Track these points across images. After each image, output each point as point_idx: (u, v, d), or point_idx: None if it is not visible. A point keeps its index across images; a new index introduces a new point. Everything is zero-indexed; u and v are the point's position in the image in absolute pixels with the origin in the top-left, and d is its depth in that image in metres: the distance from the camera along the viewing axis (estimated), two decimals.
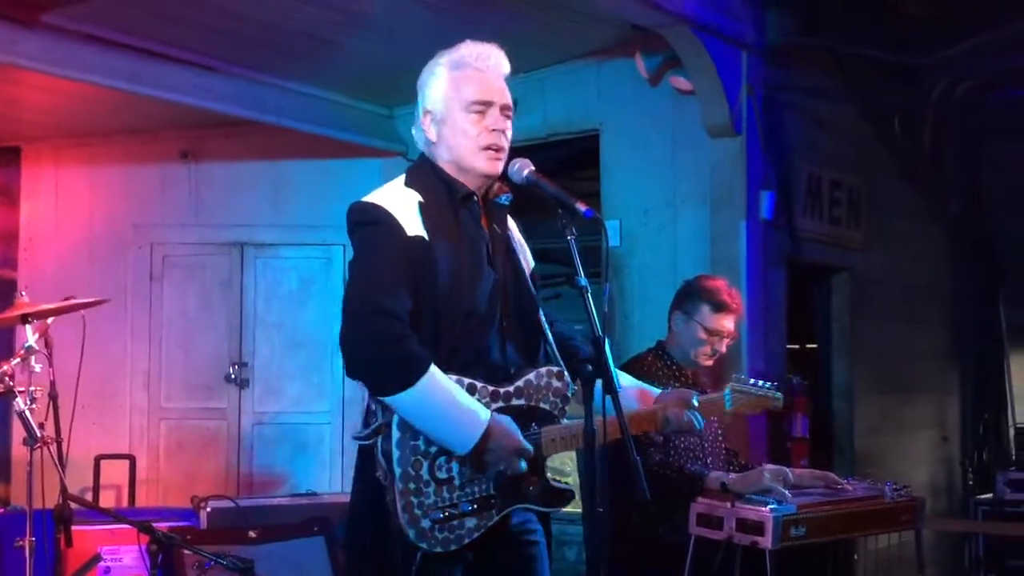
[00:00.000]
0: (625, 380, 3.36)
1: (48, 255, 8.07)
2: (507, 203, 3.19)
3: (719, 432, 4.64)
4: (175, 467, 7.96)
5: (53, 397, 5.17)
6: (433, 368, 2.86)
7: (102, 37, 6.02)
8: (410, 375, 2.83)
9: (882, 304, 7.22)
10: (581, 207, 2.90)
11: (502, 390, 3.01)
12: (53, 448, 4.85)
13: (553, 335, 3.26)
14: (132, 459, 7.30)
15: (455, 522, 2.92)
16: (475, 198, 3.10)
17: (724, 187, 5.95)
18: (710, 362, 4.55)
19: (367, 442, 2.97)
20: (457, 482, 2.94)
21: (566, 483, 3.10)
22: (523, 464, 2.94)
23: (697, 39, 5.58)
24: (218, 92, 6.65)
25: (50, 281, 7.61)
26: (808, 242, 6.47)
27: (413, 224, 2.96)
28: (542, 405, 3.07)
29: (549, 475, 3.08)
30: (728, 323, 4.50)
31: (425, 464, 2.91)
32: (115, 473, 7.27)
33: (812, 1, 6.18)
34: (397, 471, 2.88)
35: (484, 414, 2.90)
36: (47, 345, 5.02)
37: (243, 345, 8.01)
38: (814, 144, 6.59)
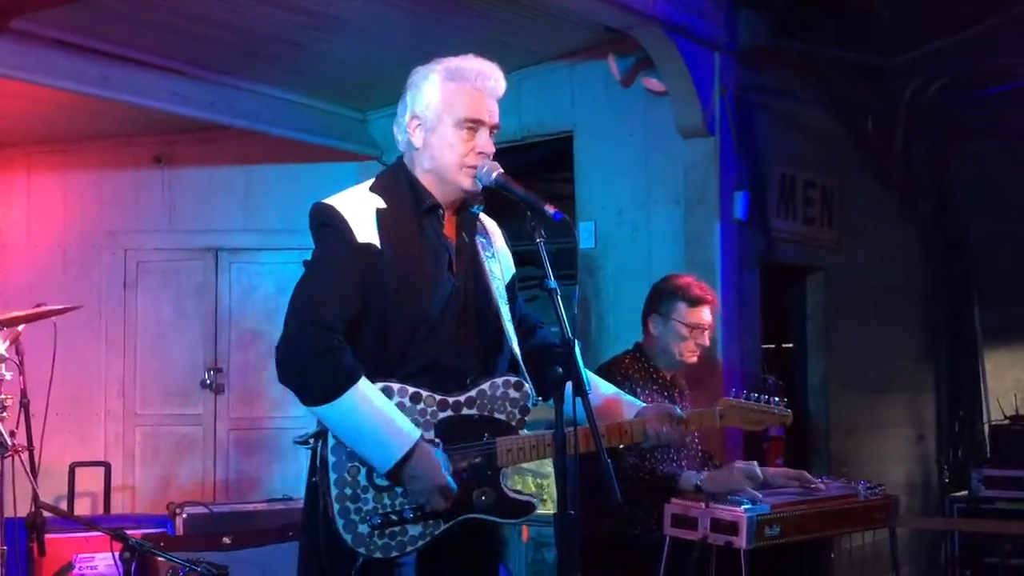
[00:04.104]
0: (600, 385, 3.37)
1: (21, 262, 8.02)
2: (478, 212, 3.19)
3: (694, 434, 4.64)
4: (151, 474, 7.93)
5: (24, 405, 5.14)
6: (361, 383, 2.87)
7: (73, 42, 5.99)
8: (334, 388, 2.85)
9: (856, 303, 7.25)
10: (550, 209, 2.89)
11: (451, 399, 3.01)
12: (25, 456, 4.82)
13: (534, 341, 3.30)
14: (107, 466, 7.25)
15: (396, 529, 2.91)
16: (440, 211, 3.10)
17: (697, 188, 5.97)
18: (695, 358, 4.56)
19: (307, 446, 2.99)
20: (399, 489, 2.93)
21: (538, 485, 3.10)
22: (442, 503, 2.91)
23: (669, 40, 5.59)
24: (191, 97, 6.63)
25: (23, 288, 7.57)
26: (782, 242, 6.48)
27: (367, 230, 2.97)
28: (497, 415, 3.06)
29: (505, 485, 3.06)
30: (706, 315, 4.52)
31: (363, 470, 2.92)
32: (90, 480, 7.22)
33: (784, 3, 6.19)
34: (332, 476, 2.90)
35: (411, 437, 2.89)
36: (18, 353, 4.99)
37: (218, 351, 7.99)
38: (787, 145, 6.61)
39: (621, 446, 4.04)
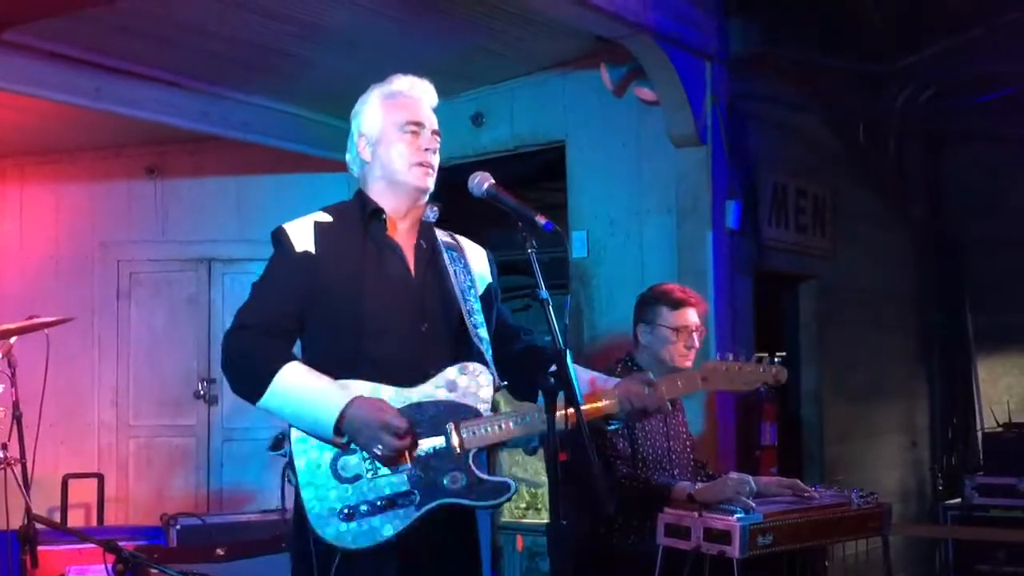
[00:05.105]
0: (579, 370, 3.36)
1: (13, 273, 8.02)
2: (434, 219, 3.28)
3: (687, 443, 4.64)
4: (144, 485, 7.92)
5: (17, 417, 5.13)
6: (289, 367, 2.97)
7: (65, 54, 6.00)
8: (261, 378, 2.96)
9: (849, 311, 7.26)
10: (541, 220, 2.91)
11: (411, 390, 3.04)
12: (17, 468, 4.82)
13: (518, 345, 3.33)
14: (100, 477, 7.25)
15: (365, 519, 2.94)
16: (383, 215, 3.19)
17: (690, 197, 5.97)
18: (688, 362, 4.53)
19: (279, 451, 3.05)
20: (364, 479, 2.97)
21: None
22: (393, 441, 2.91)
23: (660, 50, 5.60)
24: (183, 108, 6.64)
25: (15, 300, 7.57)
26: (775, 251, 6.49)
27: (304, 241, 3.11)
28: (459, 401, 3.07)
29: (477, 468, 3.05)
30: (691, 316, 4.51)
31: (326, 465, 2.97)
32: (84, 492, 7.21)
33: (775, 11, 6.20)
34: (300, 473, 2.97)
35: (346, 395, 2.94)
36: (10, 364, 5.00)
37: (212, 361, 7.97)
38: (779, 153, 6.62)
39: (615, 446, 4.07)
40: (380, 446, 2.92)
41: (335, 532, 2.93)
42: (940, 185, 8.26)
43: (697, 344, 4.56)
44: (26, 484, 4.94)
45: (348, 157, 3.32)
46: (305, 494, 2.95)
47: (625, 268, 6.24)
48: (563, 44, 6.19)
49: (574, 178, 6.55)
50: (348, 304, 3.06)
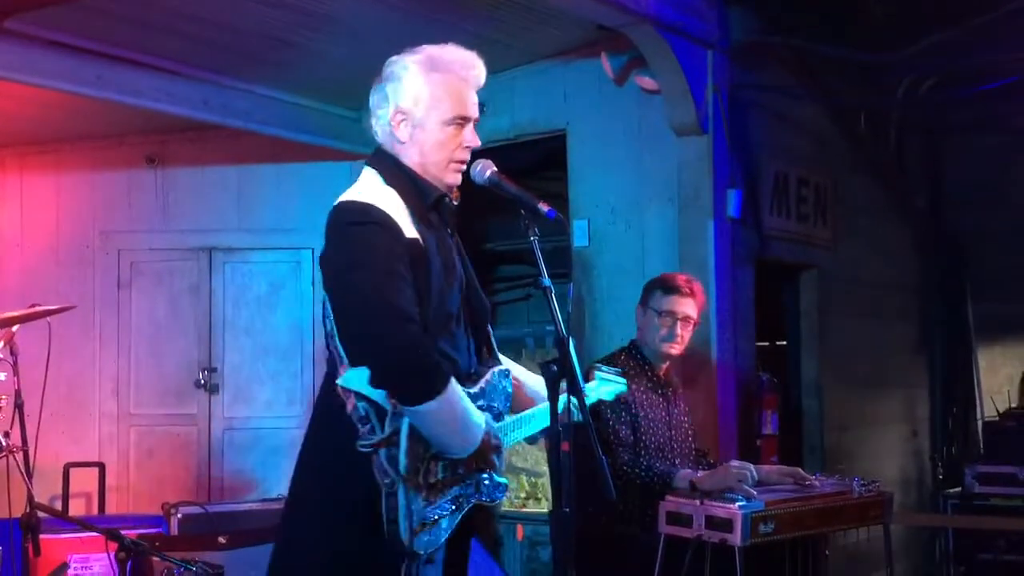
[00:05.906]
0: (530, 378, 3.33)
1: (14, 263, 8.02)
2: (456, 206, 3.18)
3: (689, 431, 4.66)
4: (145, 474, 7.92)
5: (19, 405, 5.13)
6: (453, 380, 2.84)
7: (66, 43, 5.98)
8: (438, 385, 2.78)
9: (850, 300, 7.26)
10: (544, 208, 2.89)
11: (471, 391, 3.00)
12: (19, 456, 4.82)
13: None
14: (102, 466, 7.27)
15: (435, 524, 2.90)
16: (447, 199, 3.08)
17: (691, 186, 5.97)
18: (674, 350, 4.54)
19: (370, 449, 2.84)
20: (439, 484, 2.92)
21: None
22: (496, 460, 2.97)
23: (662, 38, 5.59)
24: (184, 96, 6.63)
25: (16, 289, 7.58)
26: (776, 240, 6.49)
27: (408, 226, 2.91)
28: (494, 405, 3.09)
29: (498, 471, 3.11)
30: (681, 305, 4.50)
31: (422, 469, 2.87)
32: (85, 480, 7.23)
33: (776, 1, 6.20)
34: (406, 475, 2.82)
35: (483, 420, 2.93)
36: (12, 353, 4.99)
37: (212, 350, 7.99)
38: (780, 142, 6.62)
39: (617, 433, 4.08)
40: (487, 466, 2.97)
41: (418, 538, 2.84)
42: (940, 175, 8.25)
43: (680, 333, 4.52)
44: (28, 472, 4.94)
45: (374, 122, 3.10)
46: (404, 499, 2.81)
47: (626, 257, 6.24)
48: (564, 33, 6.18)
49: (575, 167, 6.55)
50: (441, 302, 2.94)
